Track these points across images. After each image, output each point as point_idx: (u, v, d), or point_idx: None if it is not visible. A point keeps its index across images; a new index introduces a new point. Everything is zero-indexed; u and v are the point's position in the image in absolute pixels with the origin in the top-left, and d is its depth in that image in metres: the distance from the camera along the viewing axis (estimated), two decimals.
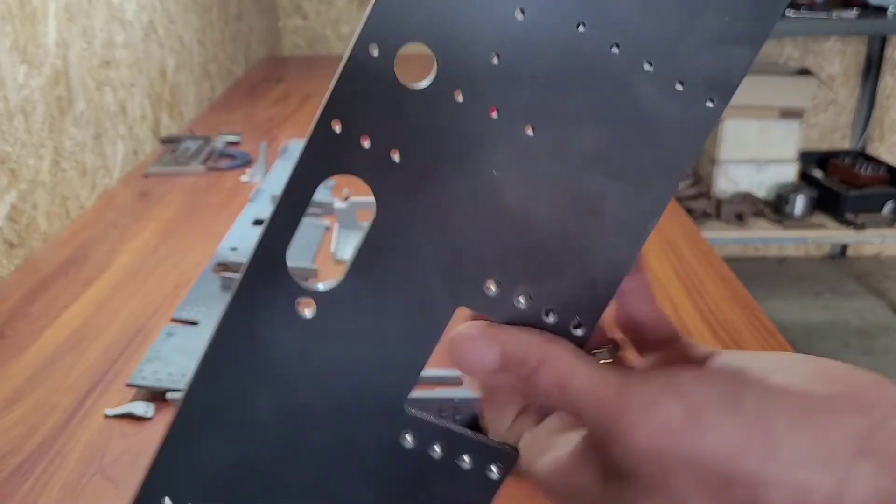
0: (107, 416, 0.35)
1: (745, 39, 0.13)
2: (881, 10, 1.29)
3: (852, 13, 1.27)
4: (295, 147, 0.75)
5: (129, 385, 0.36)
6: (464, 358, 0.14)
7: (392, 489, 0.15)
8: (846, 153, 1.51)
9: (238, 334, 0.14)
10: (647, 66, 0.13)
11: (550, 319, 0.14)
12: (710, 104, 0.13)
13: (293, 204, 0.14)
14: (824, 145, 1.59)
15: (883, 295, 1.48)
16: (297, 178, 0.13)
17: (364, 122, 0.13)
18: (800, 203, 1.37)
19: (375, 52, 0.13)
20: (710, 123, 0.13)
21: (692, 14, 0.13)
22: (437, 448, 0.15)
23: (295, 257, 0.51)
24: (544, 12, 0.12)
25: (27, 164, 0.54)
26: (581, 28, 0.12)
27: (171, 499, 0.15)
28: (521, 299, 0.14)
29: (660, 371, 0.14)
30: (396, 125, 0.13)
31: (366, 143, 0.13)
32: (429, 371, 0.35)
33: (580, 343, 0.14)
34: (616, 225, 0.13)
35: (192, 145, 0.74)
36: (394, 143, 0.13)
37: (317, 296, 0.14)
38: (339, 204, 0.54)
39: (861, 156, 1.48)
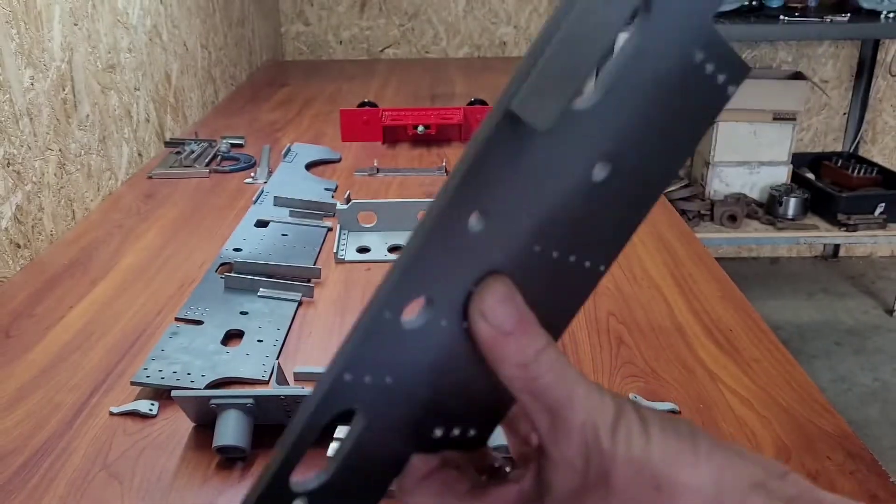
0: (112, 414, 0.35)
1: (639, 216, 0.17)
2: (874, 15, 1.31)
3: (845, 17, 1.28)
4: (297, 149, 0.75)
5: (133, 383, 0.37)
6: (488, 308, 0.15)
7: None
8: (838, 155, 1.52)
9: None
10: (572, 259, 0.17)
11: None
12: (601, 271, 0.17)
13: (303, 441, 0.15)
14: (817, 148, 1.60)
15: (875, 295, 1.50)
16: (311, 421, 0.15)
17: (368, 366, 0.15)
18: (792, 204, 1.38)
19: (389, 315, 0.15)
20: (600, 278, 0.17)
21: (618, 215, 0.17)
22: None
23: (297, 258, 0.52)
24: (516, 249, 0.15)
25: (33, 167, 0.55)
26: (537, 248, 0.16)
27: None
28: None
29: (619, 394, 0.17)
30: (393, 358, 0.15)
31: (367, 379, 0.15)
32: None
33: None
34: None
35: (195, 148, 0.75)
36: (390, 371, 0.15)
37: (309, 496, 0.16)
38: (340, 206, 0.55)
39: (853, 158, 1.50)
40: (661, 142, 0.15)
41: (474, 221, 0.14)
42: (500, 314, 0.15)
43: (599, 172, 0.15)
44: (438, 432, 0.17)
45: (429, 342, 0.16)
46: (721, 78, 0.15)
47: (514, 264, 0.16)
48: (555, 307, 0.16)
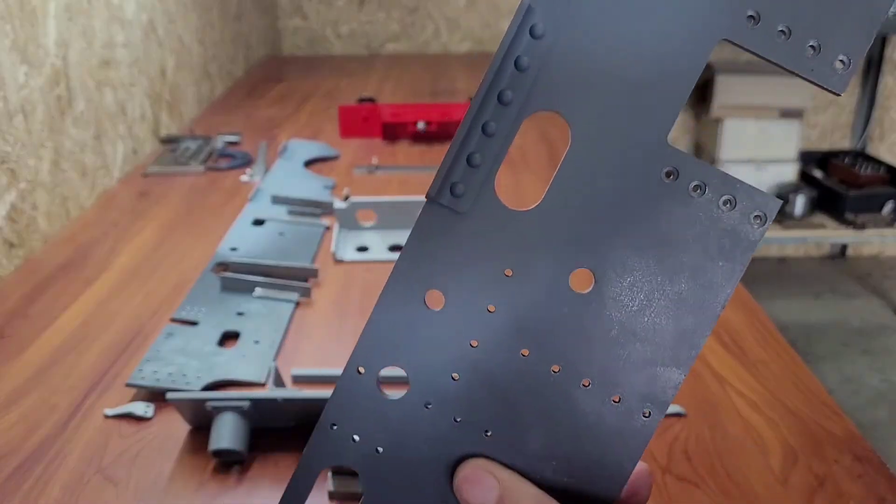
0: (106, 417, 0.35)
1: (673, 364, 0.16)
2: None
3: None
4: (294, 146, 0.75)
5: (128, 385, 0.36)
6: (466, 495, 0.16)
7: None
8: (846, 153, 1.51)
9: None
10: (585, 383, 0.16)
11: None
12: (644, 417, 0.16)
13: (300, 488, 0.16)
14: (824, 145, 1.59)
15: (883, 295, 1.48)
16: (303, 467, 0.16)
17: (353, 423, 0.16)
18: (800, 203, 1.37)
19: (363, 371, 0.16)
20: (650, 430, 0.16)
21: (623, 343, 0.16)
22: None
23: (295, 257, 0.52)
24: (493, 343, 0.16)
25: (27, 164, 0.54)
26: (525, 353, 0.16)
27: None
28: None
29: None
30: (378, 425, 0.16)
31: (356, 437, 0.16)
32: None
33: None
34: None
35: (191, 145, 0.74)
36: (377, 439, 0.16)
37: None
38: (338, 204, 0.54)
39: (861, 156, 1.49)
40: (660, 268, 0.15)
41: (433, 300, 0.15)
42: (478, 497, 0.15)
43: (581, 284, 0.15)
44: None
45: (417, 425, 0.16)
46: (706, 195, 0.14)
47: (500, 367, 0.15)
48: (573, 445, 0.16)
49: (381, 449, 0.16)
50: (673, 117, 0.14)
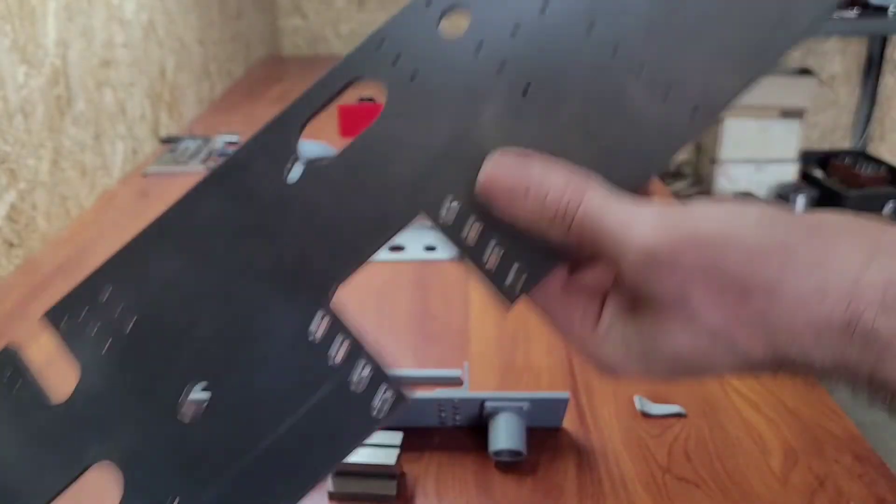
0: None
1: (734, 71, 0.16)
2: (882, 10, 1.29)
3: (853, 13, 1.27)
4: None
5: None
6: (494, 180, 0.15)
7: (285, 381, 0.16)
8: (847, 153, 1.51)
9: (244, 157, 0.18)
10: (638, 72, 0.16)
11: (492, 258, 0.16)
12: (692, 118, 0.16)
13: (334, 83, 0.18)
14: (825, 145, 1.59)
15: None
16: (341, 69, 0.19)
17: (403, 42, 0.18)
18: (800, 203, 1.37)
19: (431, 3, 0.17)
20: (690, 134, 0.16)
21: (686, 41, 0.16)
22: (339, 347, 0.16)
23: None
24: (560, 12, 0.16)
25: (27, 164, 0.54)
26: (589, 29, 0.16)
27: (109, 294, 0.17)
28: (471, 230, 0.16)
29: (668, 204, 0.14)
30: (425, 53, 0.17)
31: (401, 57, 0.18)
32: (429, 371, 0.35)
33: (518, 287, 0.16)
34: None
35: (191, 145, 0.74)
36: (417, 65, 0.17)
37: (305, 162, 0.18)
38: None
39: (861, 156, 1.49)
40: None
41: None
42: (508, 180, 0.15)
43: None
44: (448, 209, 0.17)
45: (464, 66, 0.17)
46: None
47: (561, 33, 0.16)
48: (604, 123, 0.16)
49: (416, 76, 0.17)
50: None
